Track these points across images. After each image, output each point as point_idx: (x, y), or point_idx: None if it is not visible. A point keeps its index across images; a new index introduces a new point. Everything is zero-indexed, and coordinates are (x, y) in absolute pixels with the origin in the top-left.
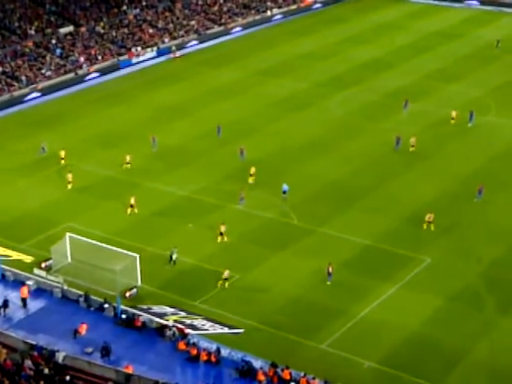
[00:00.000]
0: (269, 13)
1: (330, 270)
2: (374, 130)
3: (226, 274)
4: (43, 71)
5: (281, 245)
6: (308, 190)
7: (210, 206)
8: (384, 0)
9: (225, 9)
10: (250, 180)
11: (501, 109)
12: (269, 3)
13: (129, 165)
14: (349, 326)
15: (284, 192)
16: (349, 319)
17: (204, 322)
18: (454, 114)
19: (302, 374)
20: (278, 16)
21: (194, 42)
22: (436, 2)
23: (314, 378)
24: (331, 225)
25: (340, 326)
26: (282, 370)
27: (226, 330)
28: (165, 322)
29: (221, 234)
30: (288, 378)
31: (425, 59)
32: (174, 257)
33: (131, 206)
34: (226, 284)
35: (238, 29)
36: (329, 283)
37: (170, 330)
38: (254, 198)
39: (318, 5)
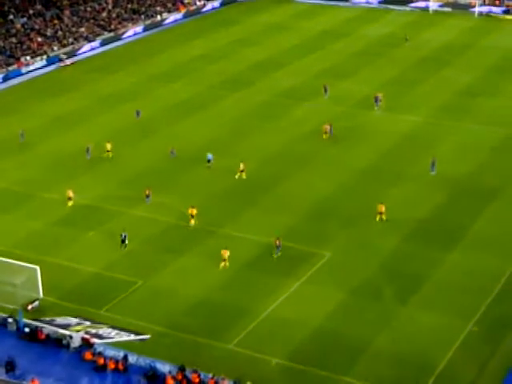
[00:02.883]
0: (159, 17)
1: (278, 243)
2: (267, 129)
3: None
4: None
5: (183, 248)
6: (208, 191)
7: (110, 213)
8: (272, 1)
9: (114, 15)
10: (243, 176)
11: (389, 103)
12: (158, 8)
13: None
14: (255, 325)
15: (208, 161)
16: (254, 317)
17: (110, 330)
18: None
19: (211, 376)
20: (168, 20)
21: (85, 49)
22: (322, 2)
23: (223, 379)
24: (232, 225)
25: (246, 325)
26: (191, 373)
27: (132, 336)
28: (69, 333)
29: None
30: (197, 380)
31: (314, 58)
32: (125, 239)
33: (69, 198)
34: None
35: (128, 34)
36: (275, 256)
37: (66, 338)
38: (154, 203)
39: (207, 7)
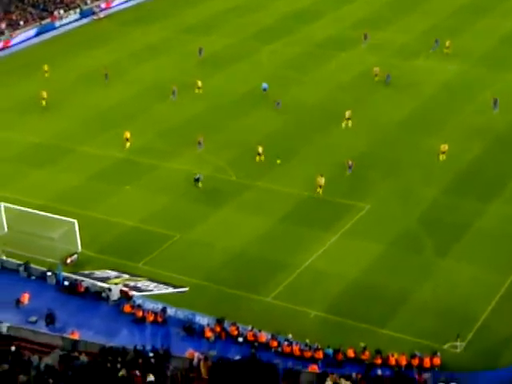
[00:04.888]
0: None
1: (350, 163)
2: (302, 84)
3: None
4: None
5: (220, 201)
6: (243, 145)
7: (146, 167)
8: None
9: None
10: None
11: (426, 53)
12: None
13: (128, 142)
14: (293, 278)
15: (264, 90)
16: (292, 271)
17: (148, 282)
18: (376, 69)
19: (249, 328)
20: None
21: (118, 2)
22: None
23: (260, 331)
24: (268, 179)
25: (284, 278)
26: (229, 326)
27: (170, 289)
28: (108, 286)
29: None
30: (235, 333)
31: (349, 9)
32: (199, 184)
33: (127, 139)
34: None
35: None
36: (347, 174)
37: (105, 291)
38: (191, 156)
39: None
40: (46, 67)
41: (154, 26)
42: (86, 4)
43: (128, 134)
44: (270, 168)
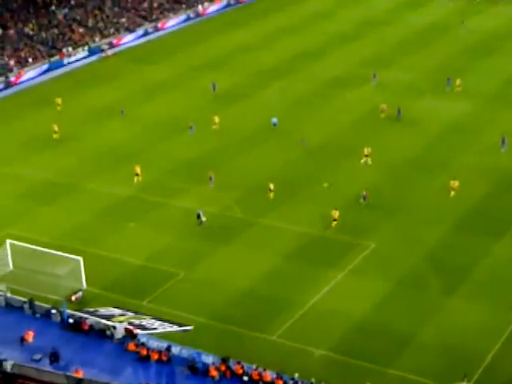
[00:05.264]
0: (200, 7)
1: (365, 193)
2: (309, 121)
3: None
4: None
5: (225, 238)
6: (250, 182)
7: (153, 204)
8: None
9: (155, 5)
10: (271, 195)
11: (436, 92)
12: None
13: (138, 177)
14: (298, 316)
15: (274, 124)
16: (298, 309)
17: (152, 321)
18: (383, 106)
19: (254, 367)
20: (209, 10)
21: (126, 40)
22: None
23: (264, 370)
24: (273, 216)
25: (290, 317)
26: (235, 365)
27: (175, 327)
28: (112, 324)
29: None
30: (240, 372)
31: (356, 46)
32: (202, 218)
33: (136, 174)
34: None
35: (170, 24)
36: (361, 203)
37: (109, 329)
38: (198, 193)
39: None
40: (58, 100)
41: (162, 63)
42: (94, 42)
43: (138, 169)
44: (277, 205)
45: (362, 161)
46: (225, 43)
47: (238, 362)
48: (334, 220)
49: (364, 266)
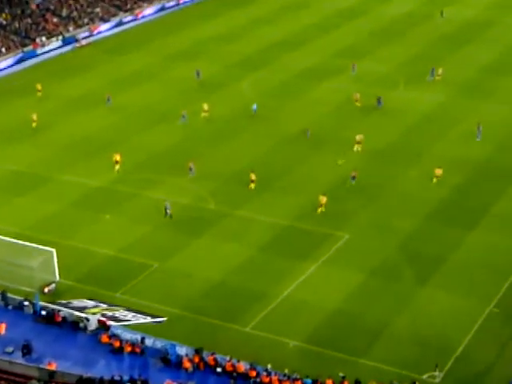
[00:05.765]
0: None
1: (354, 173)
2: (287, 111)
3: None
4: None
5: (199, 230)
6: (224, 173)
7: (126, 195)
8: None
9: None
10: (252, 186)
11: (410, 83)
12: None
13: (118, 164)
14: (272, 307)
15: (254, 110)
16: (271, 300)
17: (126, 312)
18: (357, 95)
19: (228, 358)
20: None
21: (101, 29)
22: None
23: (238, 361)
24: (247, 207)
25: (263, 308)
26: (208, 356)
27: (148, 319)
28: (86, 316)
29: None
30: (213, 363)
31: (333, 37)
32: (168, 210)
33: (116, 162)
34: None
35: (145, 13)
36: (349, 185)
37: (83, 321)
38: (170, 184)
39: None
40: (39, 86)
41: (137, 52)
42: (68, 31)
43: (118, 157)
44: (253, 196)
45: (354, 148)
46: (201, 33)
47: (212, 354)
48: (321, 206)
49: (338, 257)
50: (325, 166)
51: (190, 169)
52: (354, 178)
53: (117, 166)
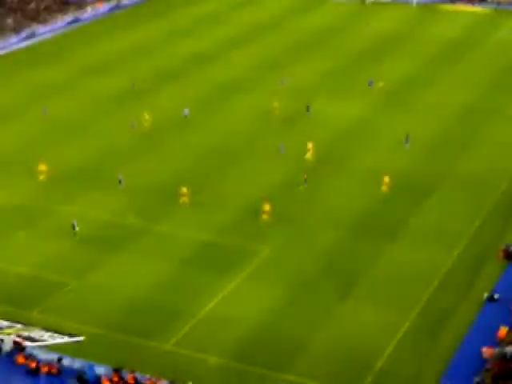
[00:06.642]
0: (89, 8)
1: (305, 176)
2: (205, 126)
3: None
4: None
5: (118, 246)
6: (141, 188)
7: (41, 213)
8: None
9: (42, 6)
10: (185, 199)
11: (331, 94)
12: None
13: (42, 174)
14: (193, 324)
15: (185, 116)
16: (193, 317)
17: (42, 332)
18: (276, 104)
19: (148, 377)
20: (99, 11)
21: (12, 41)
22: None
23: (159, 379)
24: (166, 223)
25: (184, 324)
26: (127, 374)
27: (65, 338)
28: (0, 337)
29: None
30: (133, 382)
31: (249, 50)
32: (76, 228)
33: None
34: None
35: (58, 25)
36: (302, 187)
37: (2, 342)
38: (91, 199)
39: None
40: None
41: (51, 65)
42: None
43: (43, 167)
44: (174, 211)
45: (306, 156)
46: (117, 45)
47: (132, 372)
48: (264, 212)
49: (259, 272)
50: (245, 180)
51: (120, 181)
52: (305, 180)
53: (41, 176)
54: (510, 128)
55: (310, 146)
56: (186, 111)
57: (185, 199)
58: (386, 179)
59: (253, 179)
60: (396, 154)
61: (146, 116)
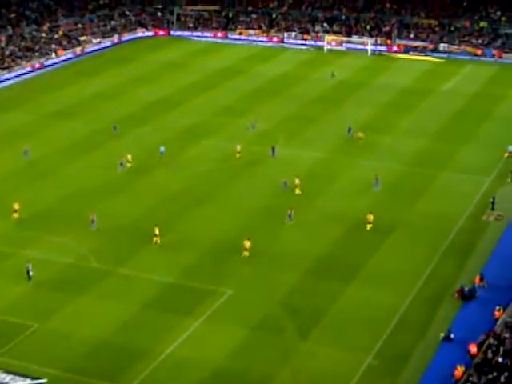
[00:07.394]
0: (54, 55)
1: (290, 212)
2: (164, 169)
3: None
4: None
5: (81, 289)
6: (106, 230)
7: (5, 254)
8: (167, 39)
9: (7, 52)
10: (157, 240)
11: (289, 140)
12: (53, 46)
13: (16, 213)
14: (154, 367)
15: (161, 153)
16: (153, 359)
17: (4, 375)
18: (238, 148)
19: None
20: (64, 58)
21: None
22: (218, 41)
23: None
24: (130, 265)
25: (145, 367)
26: None
27: (28, 381)
28: None
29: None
30: None
31: (211, 96)
32: (30, 272)
33: (15, 211)
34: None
35: (22, 72)
36: (288, 223)
37: None
38: (51, 243)
39: (102, 45)
40: None
41: (15, 110)
42: None
43: (17, 206)
44: (135, 253)
45: (295, 191)
46: (80, 91)
47: None
48: (245, 250)
49: (221, 313)
50: (207, 222)
51: (92, 221)
52: (290, 216)
53: (15, 215)
54: (459, 174)
55: (297, 181)
56: (162, 149)
57: (157, 240)
58: (370, 217)
59: (219, 220)
60: (356, 196)
61: (129, 157)
